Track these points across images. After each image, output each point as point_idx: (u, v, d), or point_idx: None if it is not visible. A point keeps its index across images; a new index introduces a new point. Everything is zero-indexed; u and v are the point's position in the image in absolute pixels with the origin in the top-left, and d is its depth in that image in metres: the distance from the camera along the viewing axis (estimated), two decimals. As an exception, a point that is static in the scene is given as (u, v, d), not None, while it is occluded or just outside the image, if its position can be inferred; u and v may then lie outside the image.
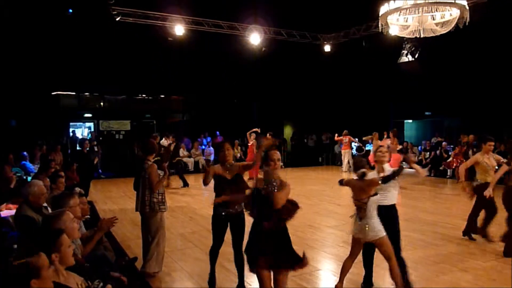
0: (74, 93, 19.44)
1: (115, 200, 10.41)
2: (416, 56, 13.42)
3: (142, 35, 14.91)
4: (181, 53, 16.73)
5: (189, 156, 16.15)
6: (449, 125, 19.21)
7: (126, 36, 15.14)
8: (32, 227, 3.48)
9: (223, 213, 4.44)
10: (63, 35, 14.45)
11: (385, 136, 13.00)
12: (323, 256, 5.90)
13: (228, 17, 15.26)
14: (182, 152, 16.13)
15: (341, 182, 4.61)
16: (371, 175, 4.29)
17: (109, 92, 19.97)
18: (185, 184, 12.11)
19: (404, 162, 4.31)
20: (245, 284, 4.72)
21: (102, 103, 20.42)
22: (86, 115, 19.88)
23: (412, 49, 13.38)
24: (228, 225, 4.53)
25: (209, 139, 18.64)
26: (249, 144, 13.70)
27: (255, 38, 15.51)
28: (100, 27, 14.24)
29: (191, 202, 9.89)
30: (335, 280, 5.00)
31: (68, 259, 2.42)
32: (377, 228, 4.15)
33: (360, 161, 4.42)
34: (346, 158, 15.42)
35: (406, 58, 13.73)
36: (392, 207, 4.51)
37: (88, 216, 5.47)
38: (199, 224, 7.64)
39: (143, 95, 21.17)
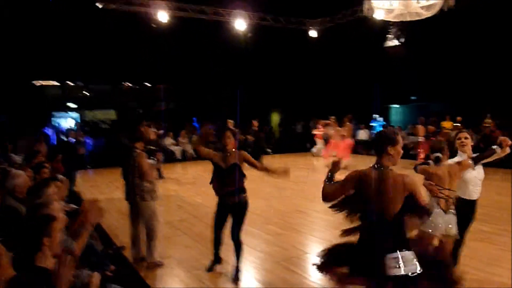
0: (57, 84, 19.13)
1: (102, 189, 10.33)
2: (402, 40, 13.42)
3: (126, 23, 14.63)
4: (166, 41, 16.50)
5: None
6: (434, 109, 19.38)
7: (110, 24, 14.86)
8: (16, 217, 3.42)
9: (221, 202, 4.50)
10: (44, 23, 14.12)
11: (346, 121, 13.00)
12: (311, 240, 5.95)
13: (213, 2, 15.07)
14: (169, 140, 16.06)
15: (416, 169, 4.13)
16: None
17: (93, 81, 19.69)
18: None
19: (497, 146, 4.06)
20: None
21: (86, 93, 20.16)
22: (71, 105, 19.61)
23: (398, 33, 13.38)
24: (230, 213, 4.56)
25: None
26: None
27: (240, 24, 15.35)
28: (82, 14, 13.93)
29: (179, 191, 9.85)
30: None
31: (56, 247, 2.39)
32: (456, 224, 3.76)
33: (438, 143, 3.96)
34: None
35: (392, 42, 13.74)
36: (474, 203, 4.16)
37: (74, 206, 5.41)
38: (188, 212, 7.63)
39: (129, 84, 20.93)
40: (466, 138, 4.14)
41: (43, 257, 2.31)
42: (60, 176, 5.32)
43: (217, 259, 4.75)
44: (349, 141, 12.86)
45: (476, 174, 4.04)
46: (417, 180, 2.78)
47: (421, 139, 12.50)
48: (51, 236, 2.36)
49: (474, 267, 4.57)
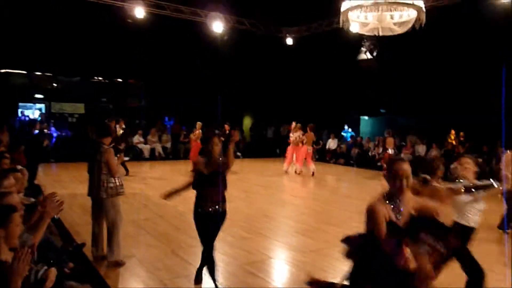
0: (25, 72, 18.49)
1: (65, 184, 10.04)
2: (374, 54, 13.77)
3: (101, 15, 14.34)
4: (141, 37, 16.27)
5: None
6: (402, 123, 19.93)
7: (83, 15, 14.53)
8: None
9: (200, 210, 4.21)
10: (14, 10, 13.66)
11: (308, 129, 13.27)
12: (275, 245, 5.98)
13: (191, 2, 14.99)
14: (138, 138, 15.81)
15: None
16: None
17: (62, 72, 19.13)
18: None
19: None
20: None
21: (54, 84, 19.55)
22: (37, 95, 18.98)
23: (371, 47, 13.74)
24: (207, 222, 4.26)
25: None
26: (193, 137, 13.48)
27: (217, 25, 15.34)
28: (55, 3, 13.56)
29: (144, 189, 9.70)
30: (287, 269, 5.10)
31: (14, 240, 2.31)
32: None
33: (432, 162, 3.71)
34: None
35: (365, 55, 14.08)
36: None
37: (33, 199, 5.25)
38: (152, 211, 7.53)
39: (99, 78, 20.46)
40: (468, 163, 3.96)
41: (1, 249, 2.24)
42: (20, 167, 5.15)
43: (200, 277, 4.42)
44: (306, 148, 13.02)
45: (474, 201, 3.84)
46: None
47: (390, 150, 12.88)
48: (7, 228, 2.28)
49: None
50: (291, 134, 13.22)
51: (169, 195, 4.43)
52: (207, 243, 4.23)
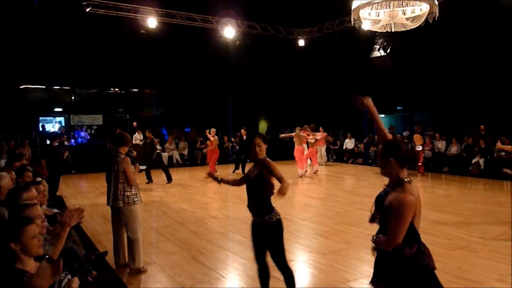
0: (43, 87, 18.93)
1: (86, 195, 10.21)
2: (388, 51, 13.60)
3: (114, 27, 14.58)
4: (154, 46, 16.49)
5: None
6: (419, 119, 19.65)
7: (97, 28, 14.79)
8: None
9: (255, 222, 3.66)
10: (31, 26, 14.00)
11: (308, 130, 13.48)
12: (295, 247, 5.95)
13: (202, 10, 15.10)
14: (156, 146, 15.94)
15: None
16: None
17: (80, 85, 19.53)
18: (149, 179, 11.93)
19: None
20: (218, 275, 4.71)
21: (73, 97, 19.97)
22: (57, 109, 19.40)
23: (384, 44, 13.55)
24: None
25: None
26: (209, 141, 13.51)
27: (229, 31, 15.43)
28: (69, 18, 13.84)
29: (164, 197, 9.79)
30: (307, 271, 5.07)
31: (33, 250, 2.35)
32: None
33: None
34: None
35: (378, 53, 13.91)
36: None
37: (57, 210, 5.35)
38: (172, 218, 7.58)
39: (116, 89, 20.80)
40: None
41: (21, 260, 2.29)
42: (39, 179, 5.27)
43: None
44: (314, 149, 13.36)
45: None
46: None
47: (419, 148, 12.81)
48: (21, 241, 2.33)
49: (461, 277, 4.60)
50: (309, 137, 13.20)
51: (215, 178, 4.07)
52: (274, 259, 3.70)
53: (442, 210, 7.98)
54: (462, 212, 7.82)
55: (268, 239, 3.62)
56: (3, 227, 2.42)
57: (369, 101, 2.86)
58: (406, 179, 2.48)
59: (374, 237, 2.59)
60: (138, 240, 4.85)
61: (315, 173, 13.25)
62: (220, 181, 4.04)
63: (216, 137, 13.47)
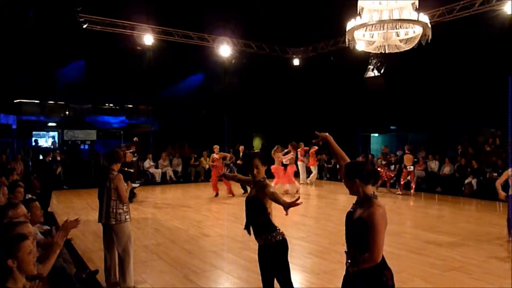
0: (37, 101, 18.88)
1: (77, 211, 10.07)
2: (381, 71, 13.81)
3: (110, 44, 14.67)
4: (150, 63, 16.57)
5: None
6: (412, 139, 19.79)
7: (93, 44, 14.87)
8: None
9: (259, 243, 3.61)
10: (26, 40, 14.03)
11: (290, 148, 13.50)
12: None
13: (198, 28, 15.27)
14: (149, 163, 15.88)
15: None
16: None
17: (74, 100, 19.51)
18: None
19: None
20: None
21: (67, 112, 19.91)
22: (50, 124, 19.32)
23: (378, 65, 13.77)
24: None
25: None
26: (215, 158, 12.72)
27: (224, 49, 15.58)
28: (65, 34, 13.92)
29: (156, 214, 9.71)
30: (300, 291, 5.02)
31: (29, 267, 2.32)
32: None
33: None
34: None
35: (372, 73, 14.11)
36: None
37: (48, 227, 5.28)
38: (165, 236, 7.50)
39: (110, 104, 20.79)
40: None
41: (13, 278, 2.25)
42: (32, 197, 5.21)
43: None
44: (291, 168, 13.21)
45: None
46: None
47: (410, 168, 13.05)
48: (18, 258, 2.30)
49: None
50: (282, 156, 13.26)
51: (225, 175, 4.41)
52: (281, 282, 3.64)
53: (436, 230, 7.97)
54: (456, 232, 7.82)
55: (274, 261, 3.55)
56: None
57: (327, 136, 3.30)
58: (372, 195, 2.71)
59: (350, 262, 2.76)
60: (129, 258, 4.79)
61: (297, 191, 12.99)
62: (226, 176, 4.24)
63: (220, 153, 12.73)
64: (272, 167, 12.62)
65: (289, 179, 12.98)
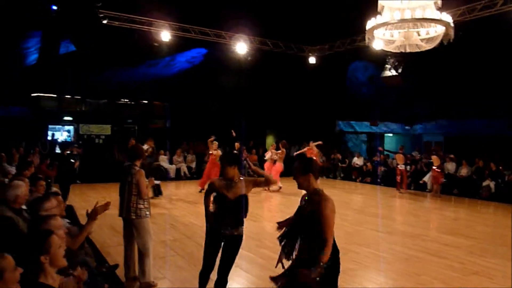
0: (55, 95, 19.08)
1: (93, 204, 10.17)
2: (399, 71, 13.66)
3: (127, 39, 14.74)
4: (166, 58, 16.67)
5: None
6: (428, 140, 19.59)
7: (111, 40, 14.97)
8: (13, 229, 3.36)
9: (222, 232, 3.94)
10: (45, 34, 14.20)
11: (281, 146, 13.52)
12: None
13: (215, 24, 15.28)
14: (162, 158, 15.94)
15: None
16: None
17: (90, 95, 19.67)
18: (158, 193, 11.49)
19: None
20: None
21: (83, 107, 20.10)
22: (66, 118, 19.51)
23: (395, 64, 13.62)
24: (222, 246, 4.02)
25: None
26: (210, 153, 12.82)
27: (241, 47, 15.56)
28: (84, 29, 14.02)
29: (172, 209, 9.75)
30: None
31: (59, 261, 2.35)
32: None
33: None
34: None
35: (390, 72, 13.97)
36: None
37: (68, 221, 5.33)
38: (181, 232, 7.53)
39: (126, 100, 20.92)
40: None
41: (45, 274, 2.27)
42: (54, 188, 5.27)
43: None
44: (280, 165, 13.35)
45: None
46: None
47: (400, 166, 13.36)
48: (49, 253, 2.32)
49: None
50: (267, 153, 13.86)
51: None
52: (224, 270, 3.99)
53: (454, 233, 7.87)
54: (474, 235, 7.71)
55: (234, 250, 4.00)
56: (26, 241, 2.41)
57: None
58: (319, 189, 3.01)
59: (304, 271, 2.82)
60: (149, 254, 4.81)
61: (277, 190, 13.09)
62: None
63: (218, 150, 12.72)
64: (265, 164, 13.51)
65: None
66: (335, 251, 2.96)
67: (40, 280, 2.25)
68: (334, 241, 2.91)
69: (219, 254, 4.02)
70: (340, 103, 19.63)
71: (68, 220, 5.24)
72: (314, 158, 13.63)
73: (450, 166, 14.12)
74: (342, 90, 18.86)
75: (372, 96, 18.56)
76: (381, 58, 14.33)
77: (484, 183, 12.67)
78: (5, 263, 1.98)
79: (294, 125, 20.33)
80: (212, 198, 4.05)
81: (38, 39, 15.45)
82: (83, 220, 7.82)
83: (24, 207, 4.11)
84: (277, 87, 19.28)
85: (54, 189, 5.75)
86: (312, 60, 17.72)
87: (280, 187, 13.04)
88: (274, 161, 13.46)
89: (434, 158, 12.80)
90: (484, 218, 10.06)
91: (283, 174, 13.38)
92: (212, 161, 12.57)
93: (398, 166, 13.51)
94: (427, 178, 13.78)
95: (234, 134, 13.73)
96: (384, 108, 18.30)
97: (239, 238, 4.02)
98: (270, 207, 11.02)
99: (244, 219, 4.04)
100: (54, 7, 12.10)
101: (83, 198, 11.10)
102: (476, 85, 14.88)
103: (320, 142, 14.38)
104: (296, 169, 3.07)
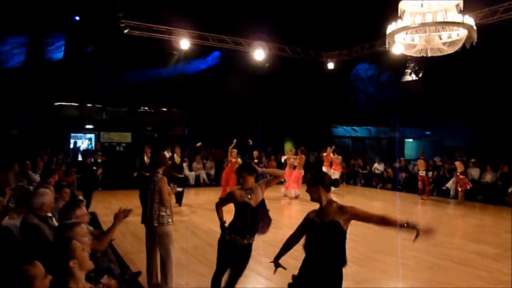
0: (76, 104, 19.47)
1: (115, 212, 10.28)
2: (419, 75, 13.48)
3: (147, 48, 14.98)
4: (185, 66, 16.84)
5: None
6: (449, 145, 19.23)
7: (131, 48, 15.22)
8: (39, 236, 3.42)
9: (240, 241, 3.98)
10: (68, 44, 14.52)
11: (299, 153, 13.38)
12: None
13: (233, 32, 15.38)
14: (185, 166, 16.06)
15: None
16: None
17: (111, 104, 20.01)
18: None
19: None
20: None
21: (104, 115, 20.44)
22: (88, 126, 19.87)
23: (416, 69, 13.45)
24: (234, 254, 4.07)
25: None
26: (231, 161, 12.60)
27: (259, 54, 15.61)
28: (106, 38, 14.32)
29: (192, 217, 9.80)
30: None
31: (86, 264, 2.39)
32: None
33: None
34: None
35: (410, 77, 13.80)
36: None
37: (92, 228, 5.40)
38: (202, 239, 7.54)
39: (145, 108, 21.20)
40: None
41: (75, 279, 2.30)
42: (81, 198, 5.35)
43: None
44: (299, 172, 13.13)
45: None
46: None
47: (422, 173, 13.12)
48: (76, 257, 2.35)
49: None
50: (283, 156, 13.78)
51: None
52: (232, 279, 4.08)
53: (479, 240, 7.68)
54: (500, 243, 7.50)
55: (248, 258, 4.09)
56: (54, 248, 2.45)
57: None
58: (332, 199, 3.02)
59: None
60: (171, 261, 4.83)
61: (296, 196, 12.96)
62: None
63: (238, 158, 12.62)
64: (286, 171, 12.85)
65: (289, 184, 13.07)
66: (341, 263, 2.96)
67: (70, 285, 2.27)
68: (343, 254, 2.94)
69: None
70: (356, 108, 19.47)
71: (91, 228, 5.31)
72: (333, 164, 13.60)
73: (474, 172, 13.81)
74: (360, 96, 18.71)
75: (392, 101, 18.33)
76: (401, 63, 14.19)
77: (510, 189, 12.34)
78: (36, 271, 2.00)
79: (313, 131, 20.24)
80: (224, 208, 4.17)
81: (21, 40, 15.48)
82: (105, 227, 7.90)
83: (49, 214, 4.19)
84: (296, 93, 19.23)
85: (79, 197, 5.84)
86: (330, 65, 17.65)
87: (298, 195, 12.93)
88: (294, 167, 13.32)
89: (458, 164, 12.54)
90: (510, 225, 9.77)
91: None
92: (231, 169, 12.48)
93: (420, 173, 13.29)
94: (450, 184, 13.51)
95: (251, 142, 13.69)
96: (404, 113, 18.05)
97: (251, 245, 4.10)
98: (290, 214, 10.96)
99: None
100: (77, 18, 12.37)
101: (105, 205, 11.23)
102: (498, 88, 14.56)
103: (333, 148, 14.30)
104: (307, 181, 3.09)
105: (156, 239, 4.82)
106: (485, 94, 14.97)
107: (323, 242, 2.91)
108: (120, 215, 3.87)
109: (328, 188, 3.04)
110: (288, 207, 11.79)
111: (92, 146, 19.28)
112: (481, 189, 13.19)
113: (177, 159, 10.57)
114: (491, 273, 5.68)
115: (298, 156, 13.25)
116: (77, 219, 3.22)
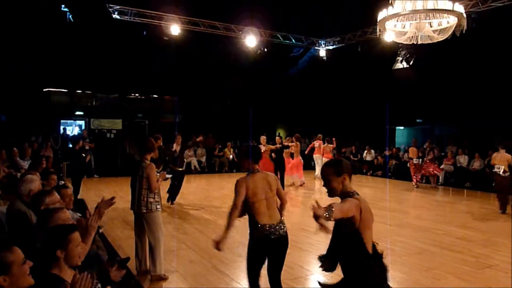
0: (66, 91, 19.25)
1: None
2: (411, 63, 13.49)
3: (137, 34, 14.77)
4: (176, 53, 16.66)
5: None
6: (440, 133, 19.35)
7: (121, 34, 15.01)
8: (25, 222, 3.39)
9: (272, 236, 3.55)
10: (56, 30, 14.27)
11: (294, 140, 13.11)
12: (316, 259, 5.85)
13: (224, 18, 15.22)
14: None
15: None
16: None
17: (101, 90, 19.80)
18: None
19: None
20: (240, 286, 4.65)
21: (94, 102, 20.25)
22: (78, 113, 19.68)
23: (407, 56, 13.46)
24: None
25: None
26: (262, 150, 12.09)
27: (251, 40, 15.50)
28: (95, 24, 14.09)
29: (183, 203, 9.79)
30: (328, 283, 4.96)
31: (74, 259, 2.34)
32: None
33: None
34: (318, 163, 14.88)
35: (401, 64, 13.81)
36: None
37: (79, 215, 5.38)
38: (192, 226, 7.56)
39: (136, 95, 21.03)
40: None
41: (59, 267, 2.28)
42: (65, 183, 5.30)
43: None
44: (299, 159, 13.04)
45: None
46: None
47: (415, 160, 13.07)
48: (67, 249, 2.32)
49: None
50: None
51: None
52: (277, 277, 3.70)
53: (467, 226, 7.79)
54: (486, 229, 7.62)
55: (285, 251, 3.67)
56: (47, 234, 2.42)
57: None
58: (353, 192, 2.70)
59: None
60: (160, 247, 4.84)
61: (301, 185, 12.95)
62: None
63: (268, 146, 12.01)
64: (286, 159, 12.63)
65: (291, 171, 12.88)
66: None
67: (53, 271, 2.25)
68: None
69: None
70: (349, 97, 19.46)
71: (79, 214, 5.29)
72: (324, 152, 13.55)
73: (463, 159, 13.95)
74: (353, 83, 18.67)
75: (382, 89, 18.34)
76: (393, 51, 14.17)
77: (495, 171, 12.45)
78: (13, 257, 1.97)
79: (305, 118, 20.24)
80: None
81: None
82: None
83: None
84: (287, 80, 19.19)
85: (62, 182, 5.80)
86: (322, 52, 17.59)
87: (303, 183, 12.94)
88: (291, 155, 13.14)
89: (411, 150, 12.72)
90: (497, 211, 9.91)
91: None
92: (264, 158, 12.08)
93: (412, 160, 13.31)
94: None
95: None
96: (396, 101, 18.09)
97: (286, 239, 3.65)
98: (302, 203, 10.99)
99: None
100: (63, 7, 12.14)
101: (95, 193, 11.19)
102: (490, 76, 14.62)
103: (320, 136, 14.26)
104: (327, 172, 2.68)
105: (145, 225, 4.82)
106: (477, 82, 15.03)
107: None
108: (101, 207, 3.41)
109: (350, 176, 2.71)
110: (295, 196, 11.75)
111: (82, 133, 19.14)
112: (469, 176, 13.34)
113: (176, 148, 9.64)
114: (478, 258, 5.77)
115: (294, 143, 13.14)
116: (47, 206, 3.17)
